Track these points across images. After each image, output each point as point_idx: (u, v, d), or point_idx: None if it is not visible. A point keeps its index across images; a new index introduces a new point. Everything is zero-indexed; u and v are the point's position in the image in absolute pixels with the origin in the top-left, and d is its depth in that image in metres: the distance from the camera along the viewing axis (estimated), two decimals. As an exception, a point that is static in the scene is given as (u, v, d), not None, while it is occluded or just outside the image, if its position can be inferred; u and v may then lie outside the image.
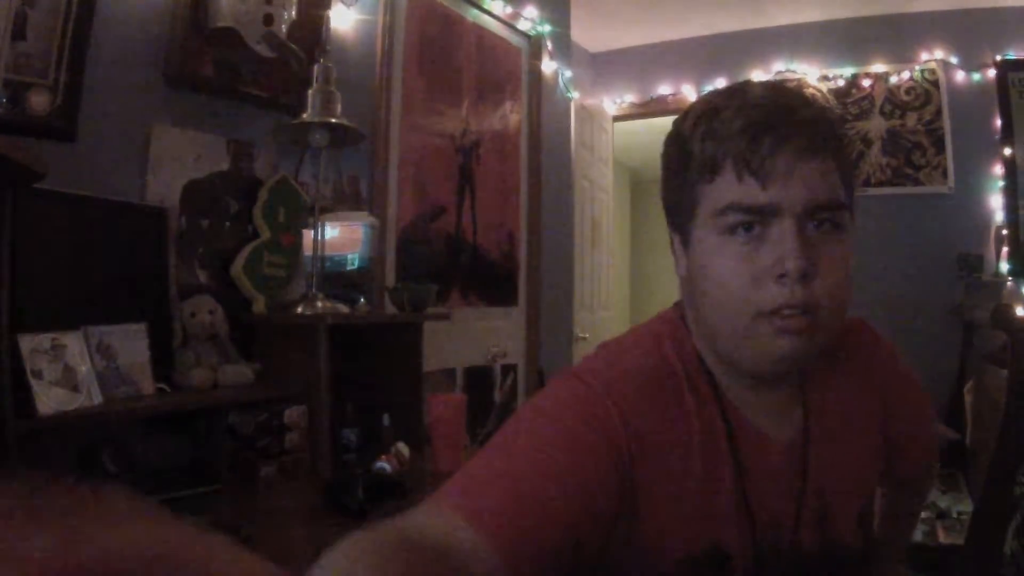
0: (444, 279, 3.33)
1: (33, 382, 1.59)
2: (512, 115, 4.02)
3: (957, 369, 4.21)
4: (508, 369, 3.66)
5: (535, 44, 4.22)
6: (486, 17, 3.81)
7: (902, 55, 4.86)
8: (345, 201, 2.74)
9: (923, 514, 3.00)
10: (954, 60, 4.76)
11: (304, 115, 2.23)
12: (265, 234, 2.31)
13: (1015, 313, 2.47)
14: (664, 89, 5.44)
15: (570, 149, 4.78)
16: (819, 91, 0.86)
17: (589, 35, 5.31)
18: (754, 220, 0.80)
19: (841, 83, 4.91)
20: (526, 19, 4.10)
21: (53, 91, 1.89)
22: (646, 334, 0.95)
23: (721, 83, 4.40)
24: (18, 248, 1.57)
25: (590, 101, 5.31)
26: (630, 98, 5.59)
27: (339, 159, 2.42)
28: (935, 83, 4.79)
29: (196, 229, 2.21)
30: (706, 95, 0.88)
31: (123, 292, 1.95)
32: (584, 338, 4.74)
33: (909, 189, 4.81)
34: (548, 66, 4.36)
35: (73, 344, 1.71)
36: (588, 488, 0.75)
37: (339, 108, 2.25)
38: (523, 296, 4.07)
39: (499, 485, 0.71)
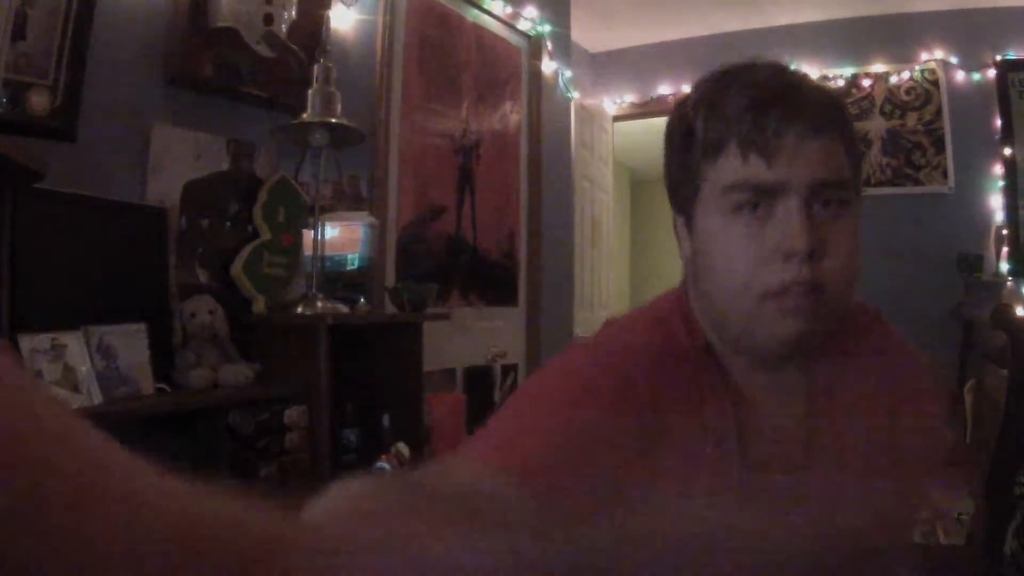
0: (444, 279, 3.33)
1: (33, 382, 1.59)
2: (512, 115, 4.02)
3: (957, 369, 4.21)
4: (508, 369, 3.66)
5: (535, 44, 4.22)
6: (486, 17, 3.81)
7: (902, 55, 4.86)
8: (345, 201, 2.74)
9: (923, 514, 3.00)
10: (954, 60, 4.76)
11: (304, 115, 2.23)
12: (265, 234, 2.31)
13: (1015, 313, 2.47)
14: (664, 89, 5.44)
15: (570, 149, 4.77)
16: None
17: (589, 35, 5.30)
18: (759, 199, 0.79)
19: (841, 83, 4.91)
20: (526, 19, 4.10)
21: (53, 91, 1.88)
22: (653, 315, 0.93)
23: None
24: (18, 248, 1.57)
25: (590, 101, 5.31)
26: (630, 98, 5.60)
27: (339, 159, 2.42)
28: (935, 83, 4.79)
29: (196, 229, 2.20)
30: (709, 75, 0.86)
31: (123, 292, 1.95)
32: (584, 338, 4.73)
33: (909, 189, 4.81)
34: (548, 66, 4.36)
35: (73, 344, 1.71)
36: (612, 447, 0.74)
37: (339, 108, 2.25)
38: (523, 296, 4.07)
39: (533, 438, 0.69)
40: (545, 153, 4.25)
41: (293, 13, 2.40)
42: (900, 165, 4.84)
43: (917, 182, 4.81)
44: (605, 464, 0.71)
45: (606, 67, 5.72)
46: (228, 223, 2.29)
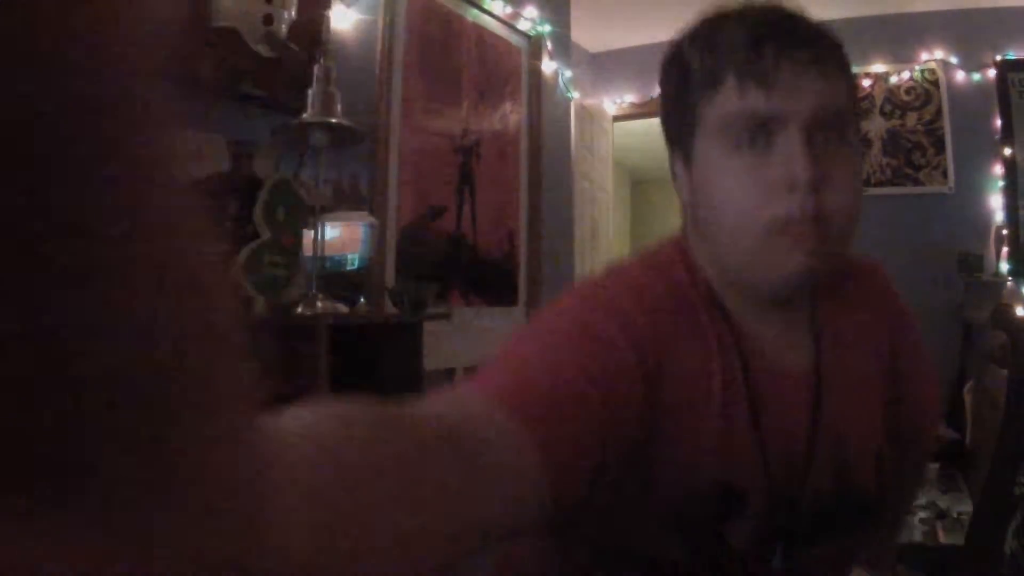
0: (444, 279, 3.33)
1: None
2: (512, 115, 4.01)
3: (957, 369, 4.21)
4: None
5: (535, 44, 4.22)
6: (486, 17, 3.81)
7: (902, 55, 4.86)
8: (345, 201, 2.74)
9: (922, 514, 3.00)
10: (954, 60, 4.77)
11: (304, 115, 2.23)
12: (265, 234, 2.30)
13: (1015, 313, 2.47)
14: (664, 89, 5.43)
15: (570, 149, 4.77)
16: None
17: (589, 35, 5.30)
18: (759, 132, 0.77)
19: (841, 83, 4.90)
20: (526, 19, 4.10)
21: (53, 91, 1.88)
22: (653, 260, 0.90)
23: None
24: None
25: (590, 101, 5.30)
26: (630, 98, 5.60)
27: (339, 159, 2.42)
28: (935, 83, 4.80)
29: (196, 229, 2.20)
30: (703, 13, 0.84)
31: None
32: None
33: (909, 189, 4.81)
34: (548, 66, 4.36)
35: (73, 344, 1.70)
36: (617, 387, 0.71)
37: (339, 108, 2.25)
38: (523, 296, 4.06)
39: (532, 375, 0.67)
40: (545, 153, 4.25)
41: (293, 13, 2.40)
42: (900, 165, 4.84)
43: (917, 182, 4.81)
44: (609, 415, 0.68)
45: (606, 67, 5.72)
46: (227, 223, 2.29)
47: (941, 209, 4.74)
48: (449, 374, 3.35)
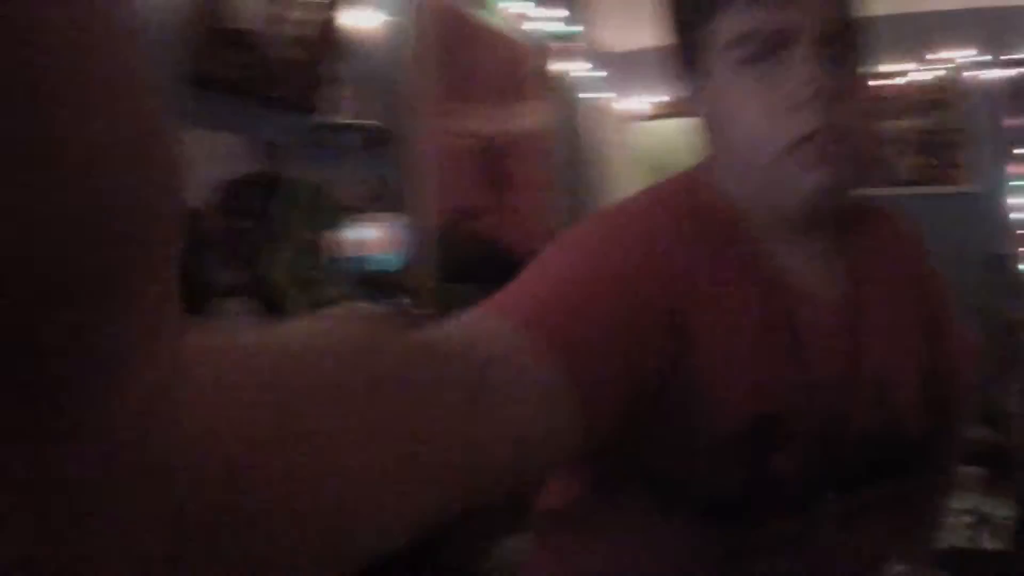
0: (478, 279, 3.31)
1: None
2: (539, 115, 4.01)
3: (993, 370, 4.14)
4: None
5: (561, 44, 4.21)
6: (512, 18, 3.80)
7: (927, 54, 4.83)
8: (377, 202, 2.73)
9: (965, 519, 2.95)
10: (980, 59, 4.72)
11: (335, 117, 2.22)
12: (297, 235, 2.30)
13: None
14: (689, 88, 5.41)
15: (596, 149, 4.75)
16: None
17: (609, 35, 5.28)
18: (769, 48, 0.76)
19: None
20: (551, 19, 4.08)
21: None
22: (673, 188, 0.88)
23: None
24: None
25: (616, 101, 5.29)
26: (656, 98, 5.56)
27: (370, 160, 2.42)
28: (961, 82, 4.75)
29: (228, 231, 2.19)
30: None
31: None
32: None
33: (937, 189, 4.77)
34: (574, 66, 4.35)
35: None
36: (641, 317, 0.68)
37: (369, 109, 2.24)
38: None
39: (553, 300, 0.64)
40: (571, 153, 4.24)
41: (316, 14, 2.40)
42: (927, 165, 4.80)
43: (944, 182, 4.77)
44: (633, 339, 0.66)
45: (626, 67, 5.69)
46: (260, 225, 2.28)
47: (969, 209, 4.69)
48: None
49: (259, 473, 0.29)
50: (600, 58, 5.58)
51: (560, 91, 4.35)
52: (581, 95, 4.56)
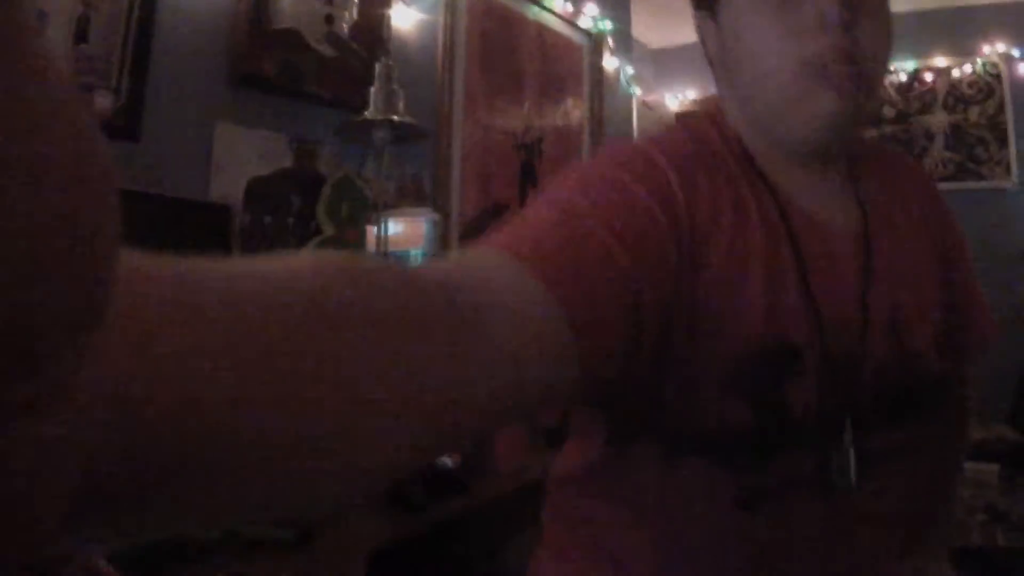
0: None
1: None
2: (574, 112, 3.99)
3: (1021, 368, 4.05)
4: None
5: (596, 41, 4.18)
6: (547, 14, 3.79)
7: (964, 48, 4.73)
8: (408, 197, 2.74)
9: (981, 516, 2.90)
10: (1016, 53, 4.62)
11: (367, 113, 2.23)
12: (329, 230, 2.31)
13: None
14: (728, 84, 5.35)
15: (633, 146, 4.73)
16: None
17: (650, 31, 5.25)
18: None
19: (903, 77, 4.79)
20: (587, 16, 4.06)
21: (116, 92, 1.91)
22: (681, 124, 0.88)
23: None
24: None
25: (652, 97, 5.25)
26: (692, 94, 5.51)
27: (402, 156, 2.43)
28: (998, 76, 4.67)
29: (260, 226, 2.21)
30: None
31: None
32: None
33: (972, 184, 4.67)
34: (609, 63, 4.32)
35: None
36: (647, 248, 0.67)
37: (401, 106, 2.25)
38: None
39: (553, 234, 0.63)
40: (607, 150, 4.21)
41: (354, 13, 2.42)
42: (963, 160, 4.71)
43: (980, 177, 4.67)
44: (638, 273, 0.64)
45: (668, 63, 5.64)
46: (291, 220, 2.30)
47: (1005, 204, 4.59)
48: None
49: (218, 400, 0.30)
50: (651, 54, 5.56)
51: (613, 87, 4.33)
52: (624, 91, 4.53)
